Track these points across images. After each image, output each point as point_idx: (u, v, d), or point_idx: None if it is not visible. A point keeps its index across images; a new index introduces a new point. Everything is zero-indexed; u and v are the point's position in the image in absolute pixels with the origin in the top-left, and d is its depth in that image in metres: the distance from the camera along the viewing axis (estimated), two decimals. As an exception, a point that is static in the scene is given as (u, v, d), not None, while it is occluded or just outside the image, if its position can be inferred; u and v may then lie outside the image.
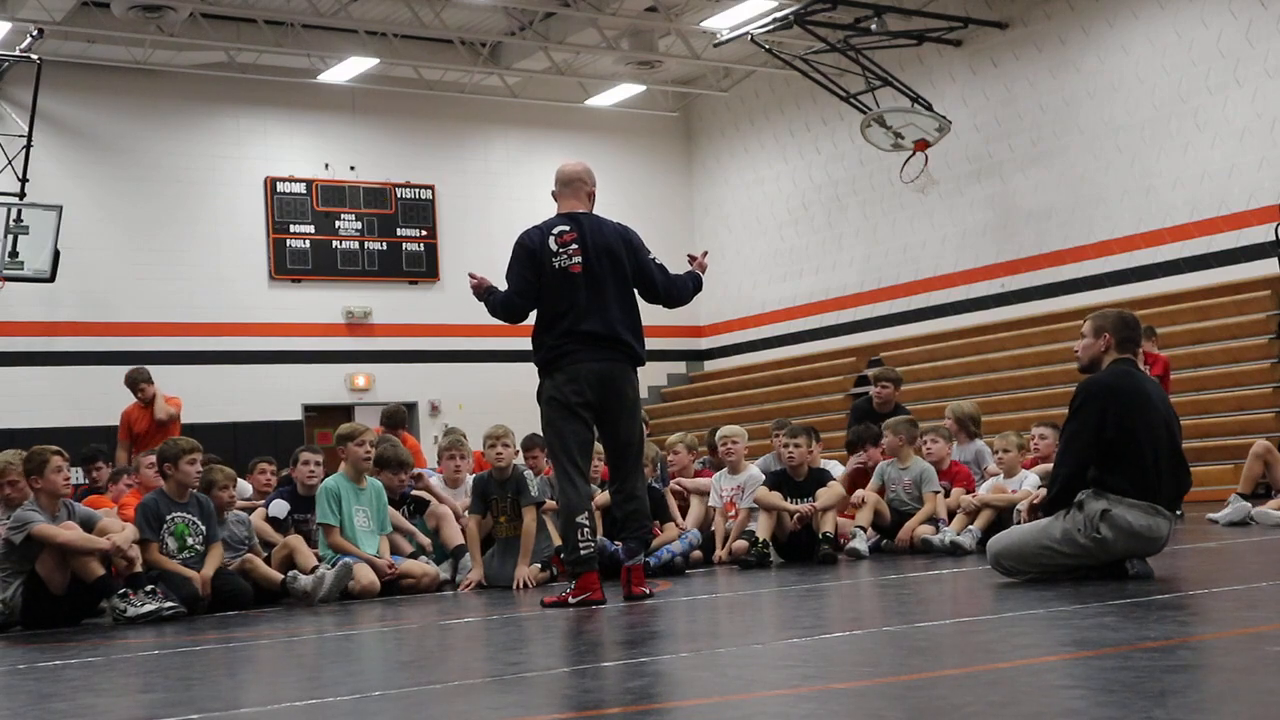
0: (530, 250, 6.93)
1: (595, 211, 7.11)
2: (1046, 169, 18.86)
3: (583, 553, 6.70)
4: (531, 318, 7.10)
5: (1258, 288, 15.98)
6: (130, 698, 4.74)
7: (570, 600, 6.66)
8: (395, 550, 8.62)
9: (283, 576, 8.09)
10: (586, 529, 6.72)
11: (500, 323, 7.35)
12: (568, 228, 6.94)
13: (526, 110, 23.22)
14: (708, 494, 9.55)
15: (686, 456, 10.08)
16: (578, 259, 6.86)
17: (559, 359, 6.83)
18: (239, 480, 9.22)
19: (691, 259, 7.47)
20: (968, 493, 9.28)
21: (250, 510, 8.92)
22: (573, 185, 7.12)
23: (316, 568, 8.05)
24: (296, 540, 8.39)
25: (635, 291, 7.05)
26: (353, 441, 8.56)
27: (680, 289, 7.18)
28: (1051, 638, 4.72)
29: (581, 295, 6.82)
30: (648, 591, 6.83)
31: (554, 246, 6.89)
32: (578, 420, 6.83)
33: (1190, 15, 17.09)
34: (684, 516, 9.42)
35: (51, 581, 7.37)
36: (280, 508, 8.85)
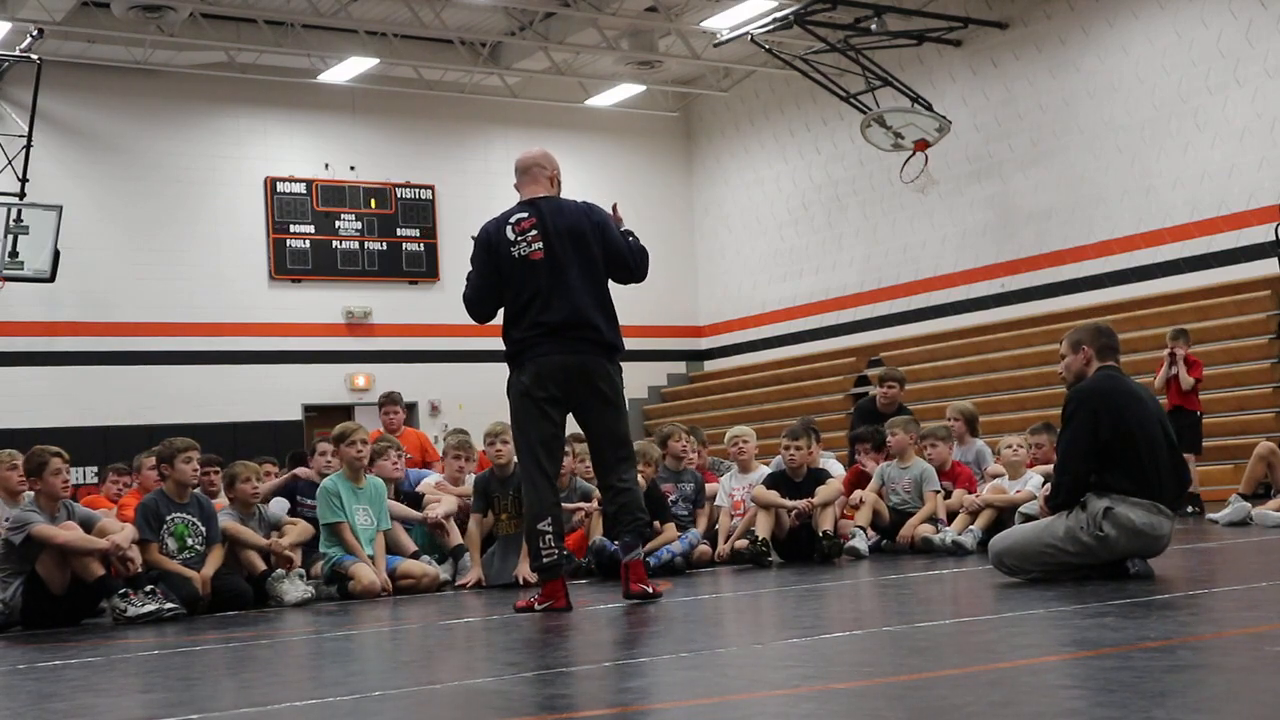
0: (486, 243, 6.68)
1: (575, 197, 6.84)
2: (1046, 169, 18.86)
3: (545, 560, 6.47)
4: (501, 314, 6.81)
5: (1258, 288, 15.99)
6: (130, 698, 4.73)
7: (536, 606, 6.51)
8: (398, 549, 8.60)
9: (265, 567, 8.13)
10: (549, 535, 6.47)
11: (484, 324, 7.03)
12: (526, 214, 6.66)
13: (526, 110, 23.21)
14: (710, 497, 9.56)
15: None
16: (538, 245, 6.56)
17: (525, 352, 6.56)
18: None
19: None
20: (969, 493, 9.28)
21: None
22: (530, 172, 6.81)
23: (291, 564, 8.06)
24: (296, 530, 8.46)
25: (607, 275, 6.72)
26: (344, 443, 8.57)
27: (642, 257, 6.83)
28: (1051, 638, 4.72)
29: (544, 282, 6.53)
30: (648, 589, 6.56)
31: (511, 235, 6.61)
32: (545, 418, 6.56)
33: (1190, 15, 17.09)
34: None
35: (51, 581, 7.36)
36: (281, 506, 8.87)
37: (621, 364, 6.79)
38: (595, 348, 6.60)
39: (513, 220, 6.69)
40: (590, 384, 6.60)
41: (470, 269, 6.81)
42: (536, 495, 6.55)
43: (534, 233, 6.61)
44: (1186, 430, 12.09)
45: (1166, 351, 12.31)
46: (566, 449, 8.48)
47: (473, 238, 6.85)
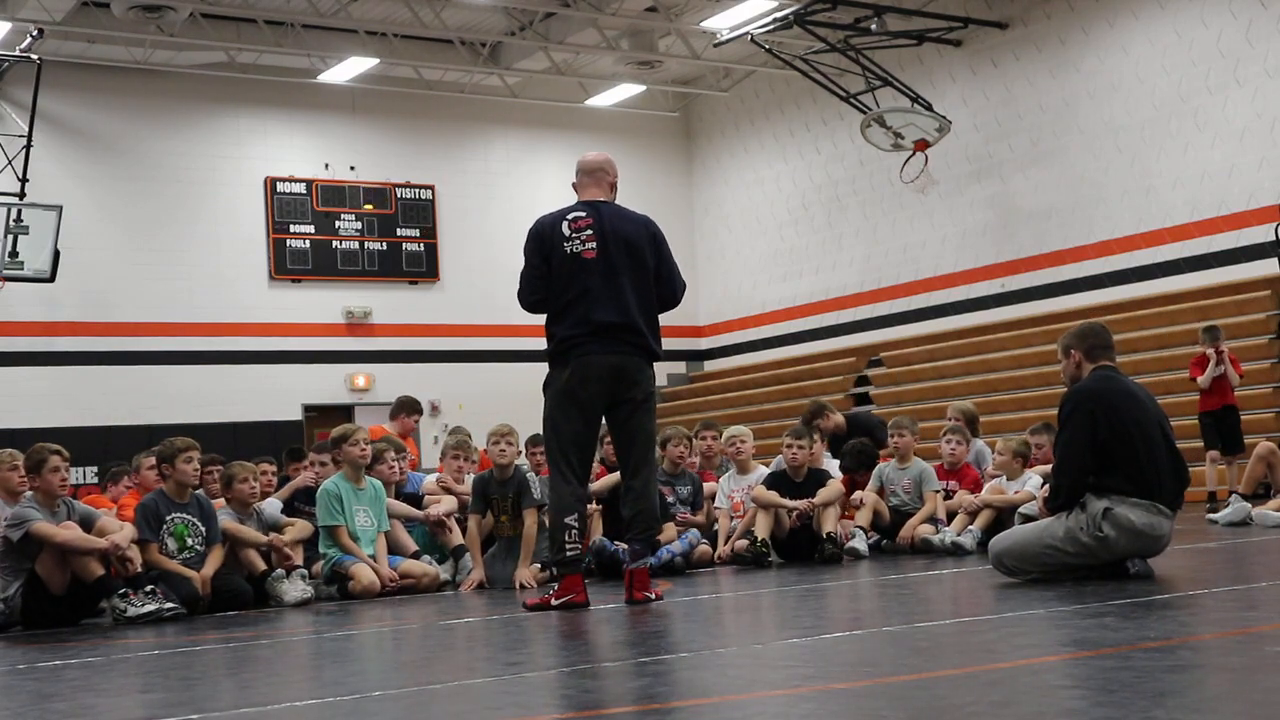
0: (540, 235, 6.72)
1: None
2: (1046, 169, 18.86)
3: (569, 554, 6.52)
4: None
5: (1258, 288, 15.99)
6: (130, 698, 4.73)
7: (553, 602, 6.52)
8: (399, 548, 8.60)
9: (265, 567, 8.15)
10: (575, 530, 6.52)
11: (507, 322, 7.09)
12: (583, 214, 6.72)
13: (526, 110, 23.21)
14: (710, 497, 9.56)
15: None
16: (591, 245, 6.62)
17: (569, 350, 6.59)
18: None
19: None
20: (970, 493, 9.27)
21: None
22: (594, 175, 6.91)
23: (293, 567, 8.07)
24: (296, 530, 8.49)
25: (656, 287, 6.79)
26: (347, 443, 8.56)
27: (683, 289, 7.00)
28: (1051, 638, 4.72)
29: (595, 281, 6.58)
30: (652, 596, 6.58)
31: (567, 231, 6.66)
32: (580, 418, 6.62)
33: (1190, 15, 17.09)
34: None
35: (51, 581, 7.36)
36: (274, 507, 8.87)
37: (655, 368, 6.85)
38: (638, 350, 6.68)
39: (570, 217, 6.74)
40: (632, 383, 6.65)
41: (523, 264, 6.82)
42: (566, 488, 6.60)
43: (589, 232, 6.67)
44: (1233, 429, 12.03)
45: (1210, 350, 12.12)
46: None
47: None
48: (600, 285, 6.60)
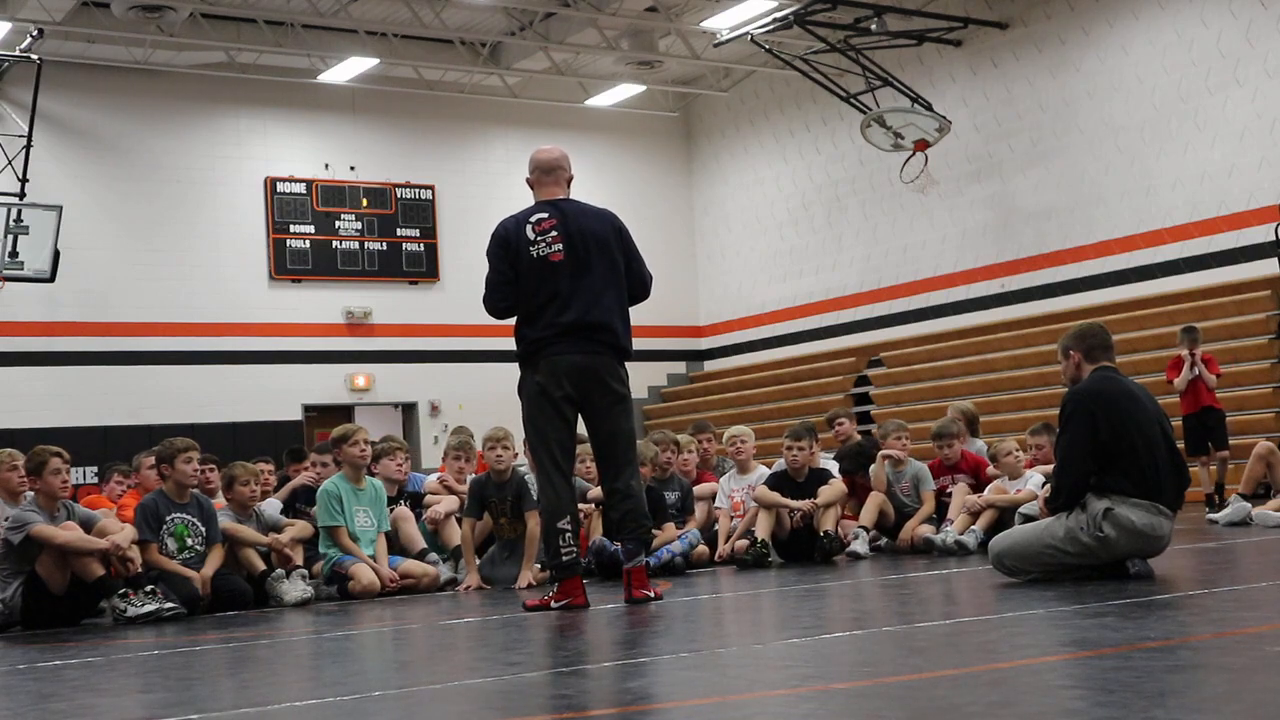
0: (504, 240, 6.67)
1: (584, 200, 6.86)
2: (1046, 169, 18.86)
3: (565, 559, 6.49)
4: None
5: (1258, 288, 15.99)
6: (130, 698, 4.73)
7: (553, 605, 6.51)
8: (408, 544, 8.59)
9: (265, 567, 8.17)
10: (568, 534, 6.49)
11: (507, 321, 7.01)
12: (546, 214, 6.64)
13: (526, 110, 23.20)
14: (709, 497, 9.55)
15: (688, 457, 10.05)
16: (558, 246, 6.55)
17: (539, 352, 6.55)
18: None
19: None
20: (974, 490, 9.25)
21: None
22: (553, 173, 6.79)
23: (294, 568, 8.08)
24: (298, 529, 8.50)
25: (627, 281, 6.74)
26: (347, 443, 8.56)
27: (651, 280, 6.92)
28: (1051, 638, 4.72)
29: (564, 284, 6.53)
30: (650, 594, 6.58)
31: (531, 235, 6.60)
32: (559, 417, 6.56)
33: (1190, 15, 17.09)
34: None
35: (51, 581, 7.37)
36: (273, 507, 8.88)
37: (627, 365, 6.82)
38: (608, 349, 6.62)
39: (533, 220, 6.67)
40: (603, 383, 6.60)
41: (489, 268, 6.77)
42: (554, 494, 6.57)
43: (554, 234, 6.60)
44: (1218, 427, 12.07)
45: (1185, 353, 12.14)
46: None
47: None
48: (570, 287, 6.55)
